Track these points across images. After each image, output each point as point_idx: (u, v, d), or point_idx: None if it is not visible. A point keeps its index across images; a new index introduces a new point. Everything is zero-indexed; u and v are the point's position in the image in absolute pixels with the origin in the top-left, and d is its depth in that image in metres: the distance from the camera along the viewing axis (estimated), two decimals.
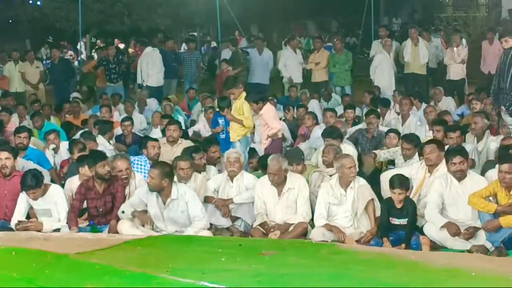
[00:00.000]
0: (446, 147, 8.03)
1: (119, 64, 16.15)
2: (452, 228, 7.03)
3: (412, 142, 8.69)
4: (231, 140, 9.75)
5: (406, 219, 7.28)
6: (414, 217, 7.34)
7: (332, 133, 8.99)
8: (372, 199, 7.51)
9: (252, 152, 9.81)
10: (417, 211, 7.42)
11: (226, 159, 8.31)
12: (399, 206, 7.34)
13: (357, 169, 7.71)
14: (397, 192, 7.29)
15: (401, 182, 7.35)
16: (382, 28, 16.16)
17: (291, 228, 7.56)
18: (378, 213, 7.49)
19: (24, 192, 7.60)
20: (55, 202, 7.65)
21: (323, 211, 7.52)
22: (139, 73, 15.40)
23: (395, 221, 7.32)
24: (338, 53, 15.44)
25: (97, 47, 23.40)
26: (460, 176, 7.21)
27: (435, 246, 7.12)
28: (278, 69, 16.09)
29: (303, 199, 7.74)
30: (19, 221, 7.57)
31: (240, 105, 9.71)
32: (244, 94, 9.91)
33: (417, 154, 8.65)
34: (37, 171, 7.84)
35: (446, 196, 7.26)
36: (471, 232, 7.02)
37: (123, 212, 7.46)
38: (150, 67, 15.24)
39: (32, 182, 7.48)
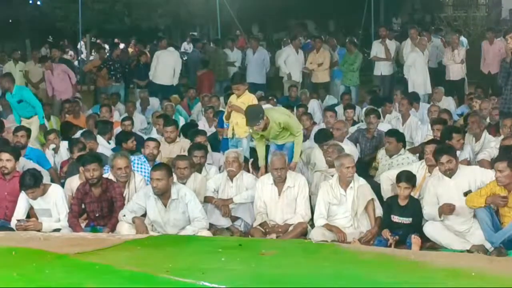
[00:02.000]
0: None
1: (123, 64, 16.18)
2: (446, 208, 7.09)
3: (394, 135, 8.82)
4: (236, 136, 9.57)
5: (410, 219, 7.28)
6: (419, 216, 7.34)
7: (321, 138, 8.99)
8: (372, 199, 7.51)
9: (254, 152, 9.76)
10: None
11: (225, 159, 8.32)
12: (402, 203, 7.34)
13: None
14: (402, 186, 7.29)
15: (408, 177, 7.37)
16: (383, 28, 16.13)
17: (290, 228, 7.57)
18: (378, 213, 7.49)
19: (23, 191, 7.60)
20: (54, 202, 7.65)
21: (323, 211, 7.52)
22: (152, 69, 15.47)
23: (397, 219, 7.32)
24: (349, 53, 15.45)
25: (98, 47, 23.44)
26: (451, 173, 7.22)
27: (435, 246, 7.14)
28: (277, 68, 16.13)
29: (303, 198, 7.75)
30: (18, 220, 7.57)
31: (250, 100, 9.59)
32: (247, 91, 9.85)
33: (403, 151, 8.80)
34: (36, 170, 7.83)
35: (440, 194, 7.26)
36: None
37: (124, 216, 7.45)
38: (161, 65, 15.34)
39: (31, 182, 7.47)
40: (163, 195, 7.28)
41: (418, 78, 13.92)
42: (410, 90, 13.64)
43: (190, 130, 10.41)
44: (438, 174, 7.35)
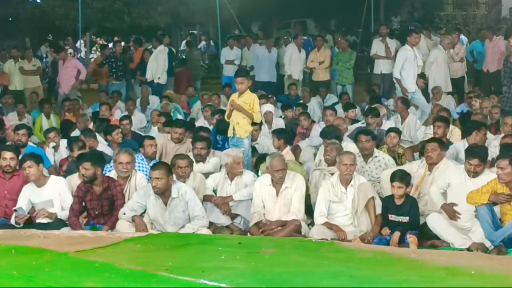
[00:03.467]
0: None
1: (124, 61, 16.16)
2: (449, 210, 7.16)
3: (370, 134, 8.79)
4: (237, 136, 9.34)
5: (406, 217, 7.29)
6: (415, 214, 7.35)
7: (330, 134, 8.95)
8: (373, 197, 7.50)
9: (253, 151, 9.76)
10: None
11: (232, 161, 8.17)
12: (398, 202, 7.35)
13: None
14: (396, 185, 7.32)
15: (401, 176, 7.39)
16: (383, 26, 16.10)
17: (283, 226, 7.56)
18: (378, 211, 7.47)
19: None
20: (57, 192, 7.71)
21: (323, 209, 7.52)
22: (150, 70, 15.47)
23: (394, 217, 7.33)
24: (343, 51, 15.45)
25: (100, 44, 23.42)
26: (474, 175, 7.19)
27: (434, 244, 7.14)
28: (280, 66, 16.17)
29: (298, 196, 7.73)
30: (15, 210, 7.61)
31: (251, 100, 9.44)
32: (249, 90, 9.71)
33: (377, 151, 8.73)
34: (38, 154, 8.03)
35: (455, 184, 7.27)
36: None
37: (124, 214, 7.46)
38: (163, 65, 15.50)
39: (30, 156, 7.69)
40: (163, 193, 7.29)
41: (438, 75, 13.85)
42: (430, 86, 13.62)
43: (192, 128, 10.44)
44: (459, 165, 7.41)
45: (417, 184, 7.85)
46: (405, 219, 7.31)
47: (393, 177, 7.39)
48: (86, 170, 7.59)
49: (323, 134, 9.10)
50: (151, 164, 8.49)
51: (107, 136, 10.03)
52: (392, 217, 7.34)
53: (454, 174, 7.37)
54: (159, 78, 15.48)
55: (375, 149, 8.75)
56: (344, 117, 11.15)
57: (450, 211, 7.18)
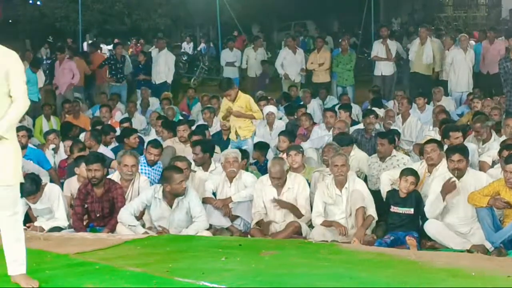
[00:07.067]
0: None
1: (124, 63, 16.17)
2: (449, 187, 7.07)
3: (386, 137, 8.80)
4: (241, 138, 9.65)
5: (411, 209, 7.31)
6: (421, 207, 7.35)
7: (342, 141, 8.92)
8: (363, 208, 7.36)
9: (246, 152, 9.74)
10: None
11: (224, 160, 8.24)
12: (403, 195, 7.36)
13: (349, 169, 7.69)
14: (410, 179, 7.34)
15: (414, 172, 7.44)
16: (384, 28, 16.10)
17: (283, 228, 7.55)
18: (370, 212, 7.40)
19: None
20: (53, 200, 7.62)
21: (320, 209, 7.55)
22: (158, 72, 15.50)
23: (397, 209, 7.33)
24: (343, 53, 15.46)
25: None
26: (459, 174, 7.20)
27: (435, 246, 7.14)
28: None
29: (303, 198, 7.74)
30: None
31: (246, 102, 9.63)
32: (240, 93, 9.89)
33: (395, 152, 8.79)
34: (35, 175, 7.73)
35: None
36: None
37: (134, 226, 7.41)
38: (171, 65, 15.73)
39: (32, 188, 7.40)
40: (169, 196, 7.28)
41: (455, 76, 13.80)
42: (449, 88, 13.58)
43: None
44: (444, 174, 7.34)
45: (417, 185, 7.85)
46: (410, 211, 7.33)
47: (405, 172, 7.42)
48: (96, 171, 7.56)
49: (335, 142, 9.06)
50: (154, 167, 8.54)
51: (124, 139, 9.82)
52: (395, 209, 7.34)
53: (440, 184, 7.25)
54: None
55: (394, 150, 8.81)
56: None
57: (450, 186, 7.10)
